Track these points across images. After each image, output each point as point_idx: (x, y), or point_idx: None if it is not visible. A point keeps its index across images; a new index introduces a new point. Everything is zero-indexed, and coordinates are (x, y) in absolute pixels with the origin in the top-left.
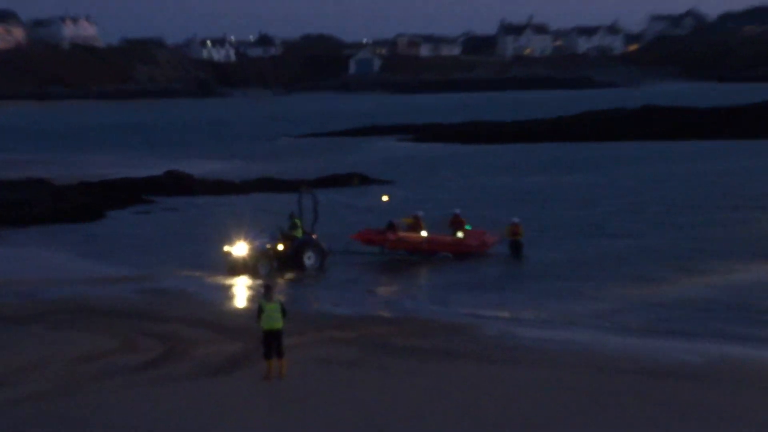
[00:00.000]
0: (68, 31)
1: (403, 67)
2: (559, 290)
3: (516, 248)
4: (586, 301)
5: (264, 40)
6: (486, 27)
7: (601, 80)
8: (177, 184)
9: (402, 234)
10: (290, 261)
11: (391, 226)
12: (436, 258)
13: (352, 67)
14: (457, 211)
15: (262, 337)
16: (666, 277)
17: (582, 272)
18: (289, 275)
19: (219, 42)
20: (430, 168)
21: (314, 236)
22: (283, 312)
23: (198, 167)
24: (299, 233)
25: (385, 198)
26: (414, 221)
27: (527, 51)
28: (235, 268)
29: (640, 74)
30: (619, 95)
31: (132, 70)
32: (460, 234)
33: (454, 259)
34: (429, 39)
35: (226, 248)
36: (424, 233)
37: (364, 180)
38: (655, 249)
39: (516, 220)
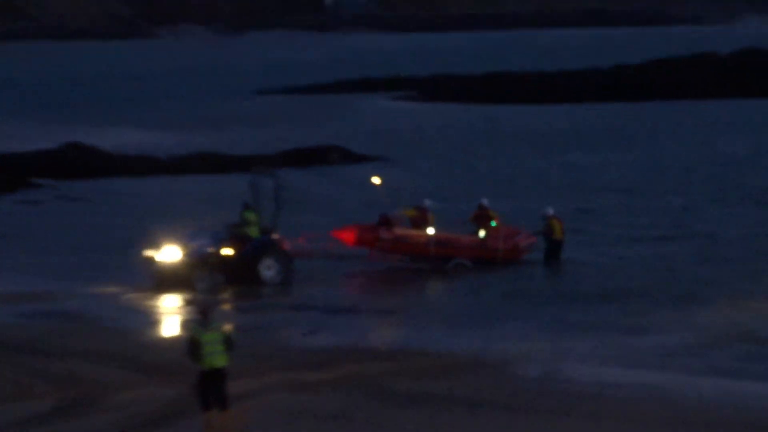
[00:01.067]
0: None
1: None
2: (608, 314)
3: (552, 250)
4: (646, 329)
5: None
6: None
7: (676, 14)
8: (81, 162)
9: (401, 232)
10: (242, 271)
11: (386, 221)
12: (449, 266)
13: None
14: (484, 201)
15: (198, 379)
16: (752, 297)
17: (635, 289)
18: (238, 291)
19: None
20: (439, 138)
21: (275, 236)
22: (229, 344)
23: (111, 138)
24: (254, 232)
25: (376, 180)
26: (418, 214)
27: None
28: (164, 281)
29: (734, 6)
30: (705, 36)
31: (24, 2)
32: (482, 233)
33: (473, 267)
34: None
35: (150, 253)
36: (431, 230)
37: (346, 156)
38: (733, 259)
39: (551, 211)
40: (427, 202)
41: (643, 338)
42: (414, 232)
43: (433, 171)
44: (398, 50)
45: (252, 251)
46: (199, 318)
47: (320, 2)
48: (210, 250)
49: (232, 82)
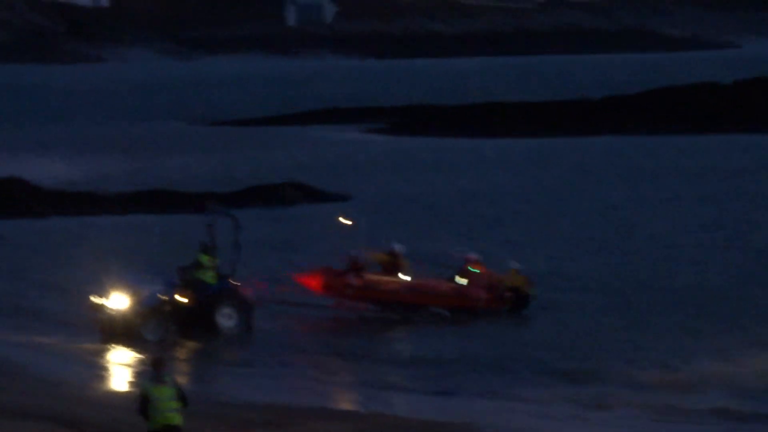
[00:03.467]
0: None
1: (371, 13)
2: (597, 366)
3: (519, 301)
4: (642, 383)
5: None
6: None
7: (674, 35)
8: (8, 198)
9: (372, 278)
10: (197, 320)
11: (355, 266)
12: (426, 315)
13: (291, 15)
14: (471, 256)
15: None
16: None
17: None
18: (193, 342)
19: None
20: (414, 174)
21: (234, 282)
22: (183, 400)
23: (42, 171)
24: (209, 277)
25: (345, 221)
26: (389, 259)
27: None
28: (111, 330)
29: (739, 24)
30: (708, 59)
31: None
32: (461, 280)
33: (451, 317)
34: None
35: (95, 301)
36: (403, 276)
37: (307, 193)
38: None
39: (515, 265)
40: (397, 247)
41: (628, 389)
42: (385, 278)
43: (401, 211)
44: (367, 76)
45: (209, 299)
46: (151, 372)
47: (280, 22)
48: (162, 297)
49: (179, 110)
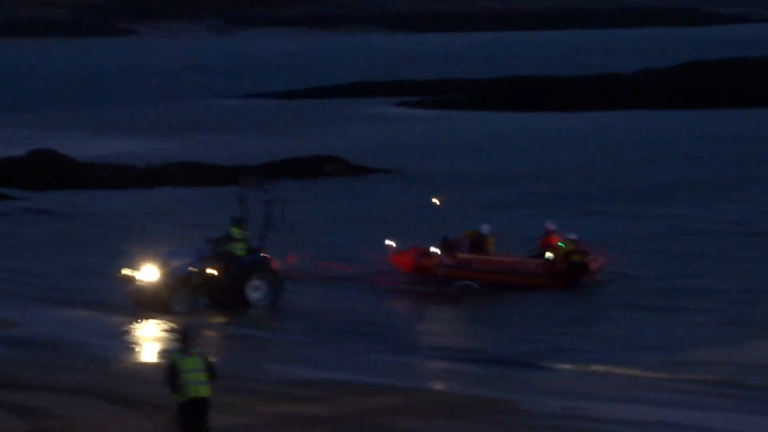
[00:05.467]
0: None
1: None
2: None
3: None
4: (687, 358)
5: None
6: None
7: (718, 12)
8: (49, 172)
9: (464, 256)
10: (227, 292)
11: (448, 245)
12: (454, 289)
13: None
14: (550, 225)
15: (179, 410)
16: None
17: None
18: (223, 314)
19: None
20: (450, 150)
21: (264, 255)
22: (211, 372)
23: (82, 146)
24: (240, 250)
25: (435, 201)
26: (476, 239)
27: None
28: (142, 303)
29: None
30: (750, 35)
31: None
32: (549, 255)
33: (481, 289)
34: None
35: (126, 272)
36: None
37: (347, 167)
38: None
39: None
40: (484, 227)
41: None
42: (478, 257)
43: (446, 185)
44: (404, 51)
45: (239, 271)
46: (180, 344)
47: None
48: (192, 269)
49: (219, 84)
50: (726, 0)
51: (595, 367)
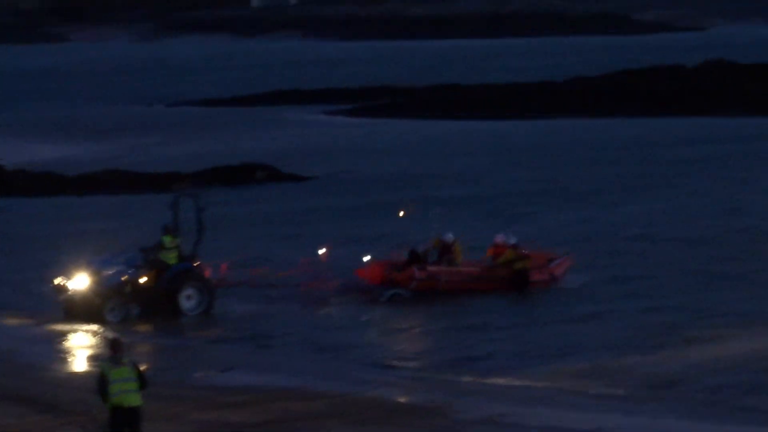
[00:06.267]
0: None
1: None
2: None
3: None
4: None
5: None
6: None
7: (644, 20)
8: None
9: (434, 269)
10: (159, 301)
11: (416, 257)
12: (383, 298)
13: None
14: (499, 238)
15: (109, 420)
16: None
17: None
18: (155, 323)
19: None
20: (375, 157)
21: (196, 263)
22: (141, 380)
23: (7, 152)
24: (172, 258)
25: (406, 211)
26: (441, 244)
27: None
28: (74, 311)
29: (707, 11)
30: (674, 43)
31: None
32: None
33: (411, 297)
34: None
35: (58, 281)
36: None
37: (276, 174)
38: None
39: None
40: (448, 236)
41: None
42: (447, 269)
43: (367, 191)
44: (332, 59)
45: (171, 280)
46: (110, 353)
47: (245, 3)
48: (124, 278)
49: (147, 90)
50: (653, 8)
51: (529, 373)
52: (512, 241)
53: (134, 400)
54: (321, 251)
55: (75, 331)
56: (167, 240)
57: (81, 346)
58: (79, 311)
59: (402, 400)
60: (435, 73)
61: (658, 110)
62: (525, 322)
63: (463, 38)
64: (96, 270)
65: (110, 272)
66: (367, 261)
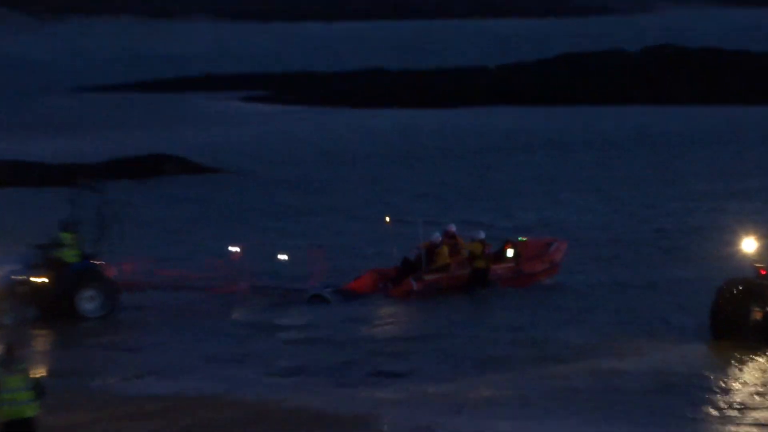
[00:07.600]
0: None
1: None
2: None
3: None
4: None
5: None
6: None
7: (583, 3)
8: None
9: (429, 278)
10: (57, 303)
11: (410, 266)
12: (306, 297)
13: None
14: (451, 227)
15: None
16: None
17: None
18: (52, 326)
19: None
20: (295, 147)
21: (99, 262)
22: (38, 390)
23: None
24: (70, 256)
25: (387, 219)
26: (430, 246)
27: None
28: None
29: None
30: (615, 27)
31: None
32: (509, 252)
33: (334, 301)
34: None
35: None
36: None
37: (186, 166)
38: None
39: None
40: (434, 237)
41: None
42: (443, 277)
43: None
44: (250, 43)
45: (70, 279)
46: (2, 360)
47: None
48: (17, 277)
49: (48, 78)
50: None
51: (466, 380)
52: (481, 236)
53: (28, 411)
54: (233, 250)
55: None
56: (66, 237)
57: None
58: None
59: (325, 408)
60: (360, 57)
61: (600, 99)
62: (446, 333)
63: (391, 20)
64: None
65: (2, 272)
66: (361, 271)
